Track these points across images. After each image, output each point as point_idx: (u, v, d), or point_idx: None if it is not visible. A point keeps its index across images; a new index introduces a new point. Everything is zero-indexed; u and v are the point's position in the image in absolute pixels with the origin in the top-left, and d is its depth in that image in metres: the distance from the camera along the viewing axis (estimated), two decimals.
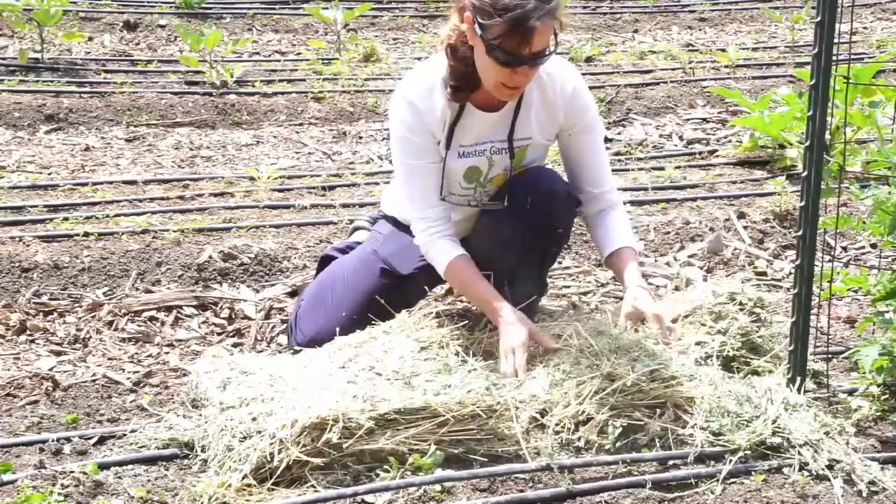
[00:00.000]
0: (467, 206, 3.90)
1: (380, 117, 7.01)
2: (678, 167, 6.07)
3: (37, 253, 4.79)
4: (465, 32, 3.62)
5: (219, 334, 4.33)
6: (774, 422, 3.31)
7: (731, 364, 3.64)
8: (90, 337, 4.27)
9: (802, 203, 3.36)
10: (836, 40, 3.25)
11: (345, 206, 5.48)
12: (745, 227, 5.22)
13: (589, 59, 8.23)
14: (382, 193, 4.31)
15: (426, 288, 3.98)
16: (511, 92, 3.65)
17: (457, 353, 3.55)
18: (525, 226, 3.77)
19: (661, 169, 6.02)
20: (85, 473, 3.17)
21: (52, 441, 3.39)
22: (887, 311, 3.65)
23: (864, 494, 3.11)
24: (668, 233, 5.16)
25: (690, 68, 7.91)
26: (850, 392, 3.64)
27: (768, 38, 9.13)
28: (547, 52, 3.56)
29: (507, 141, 3.80)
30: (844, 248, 5.08)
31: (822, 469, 3.18)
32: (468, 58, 3.65)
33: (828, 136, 3.35)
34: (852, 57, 4.54)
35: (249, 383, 3.44)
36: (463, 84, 3.70)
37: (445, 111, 3.72)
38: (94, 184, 5.77)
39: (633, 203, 5.49)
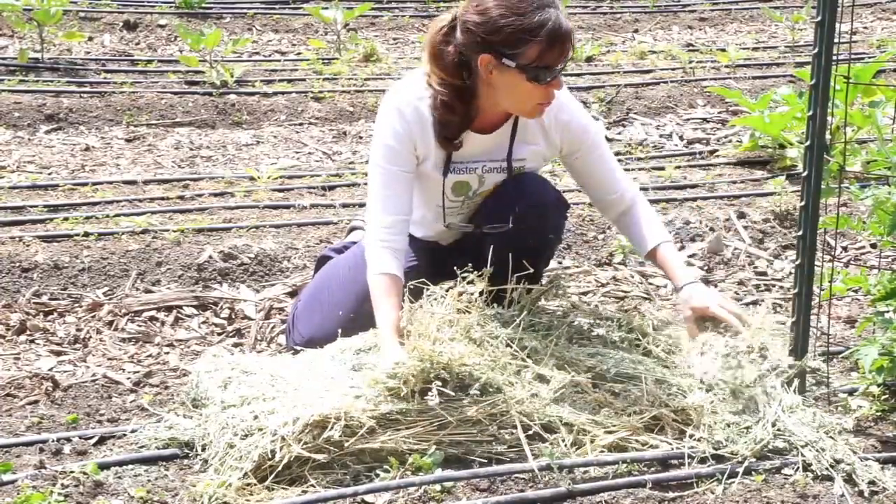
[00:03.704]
0: (469, 230, 3.90)
1: None
2: (678, 167, 6.07)
3: (37, 253, 4.79)
4: (457, 85, 3.63)
5: (219, 334, 4.34)
6: (774, 424, 3.31)
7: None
8: (90, 337, 4.27)
9: (802, 203, 3.36)
10: (836, 40, 3.25)
11: (345, 206, 5.48)
12: (745, 227, 5.22)
13: (589, 59, 8.23)
14: None
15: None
16: (545, 108, 3.67)
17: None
18: (516, 234, 3.77)
19: (662, 169, 6.02)
20: (85, 473, 3.17)
21: (52, 441, 3.39)
22: (887, 311, 3.65)
23: (866, 494, 3.11)
24: (669, 233, 5.16)
25: (690, 68, 7.91)
26: (850, 392, 3.64)
27: (768, 38, 9.14)
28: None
29: (507, 161, 3.81)
30: (844, 248, 5.08)
31: (823, 469, 3.19)
32: (469, 104, 3.66)
33: (828, 136, 3.35)
34: (852, 57, 4.53)
35: (250, 383, 3.44)
36: (455, 134, 3.71)
37: (431, 130, 3.71)
38: (94, 184, 5.77)
39: None
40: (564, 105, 3.81)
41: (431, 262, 3.82)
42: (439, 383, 3.28)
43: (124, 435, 3.46)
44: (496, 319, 3.56)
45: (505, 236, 3.74)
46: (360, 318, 3.73)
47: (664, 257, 3.85)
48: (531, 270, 3.69)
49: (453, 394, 3.27)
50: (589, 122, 3.90)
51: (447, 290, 3.52)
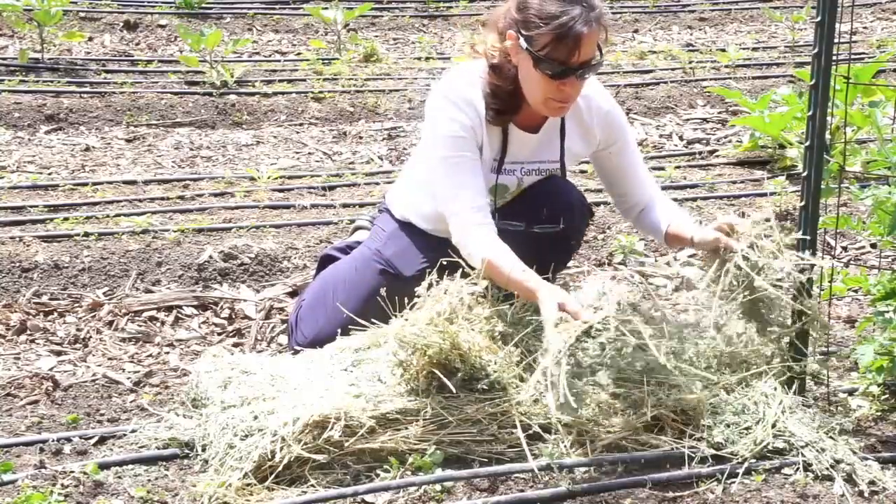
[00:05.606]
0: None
1: (380, 117, 7.01)
2: (678, 167, 6.07)
3: (37, 253, 4.79)
4: (508, 51, 3.63)
5: (219, 334, 4.34)
6: (774, 425, 3.31)
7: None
8: (90, 337, 4.27)
9: (802, 203, 3.36)
10: (836, 40, 3.25)
11: (345, 206, 5.48)
12: None
13: None
14: (388, 191, 4.27)
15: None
16: (559, 107, 3.64)
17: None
18: (540, 236, 3.76)
19: (662, 169, 6.02)
20: (85, 473, 3.17)
21: (53, 441, 3.39)
22: (887, 311, 3.65)
23: (865, 494, 3.11)
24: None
25: (690, 68, 7.92)
26: (850, 392, 3.64)
27: (768, 38, 9.14)
28: (594, 62, 3.56)
29: (559, 162, 3.81)
30: (844, 248, 5.08)
31: (823, 469, 3.19)
32: (513, 77, 3.65)
33: (828, 136, 3.35)
34: (852, 57, 4.53)
35: (250, 383, 3.44)
36: (506, 106, 3.69)
37: (483, 118, 3.69)
38: (95, 184, 5.77)
39: None
40: (603, 96, 3.83)
41: (441, 259, 3.79)
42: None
43: (124, 435, 3.46)
44: (510, 319, 3.55)
45: (525, 238, 3.73)
46: (364, 320, 3.71)
47: (677, 226, 3.77)
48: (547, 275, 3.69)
49: (456, 392, 3.28)
50: (626, 122, 3.92)
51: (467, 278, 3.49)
